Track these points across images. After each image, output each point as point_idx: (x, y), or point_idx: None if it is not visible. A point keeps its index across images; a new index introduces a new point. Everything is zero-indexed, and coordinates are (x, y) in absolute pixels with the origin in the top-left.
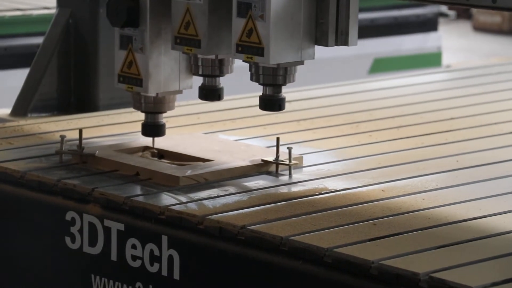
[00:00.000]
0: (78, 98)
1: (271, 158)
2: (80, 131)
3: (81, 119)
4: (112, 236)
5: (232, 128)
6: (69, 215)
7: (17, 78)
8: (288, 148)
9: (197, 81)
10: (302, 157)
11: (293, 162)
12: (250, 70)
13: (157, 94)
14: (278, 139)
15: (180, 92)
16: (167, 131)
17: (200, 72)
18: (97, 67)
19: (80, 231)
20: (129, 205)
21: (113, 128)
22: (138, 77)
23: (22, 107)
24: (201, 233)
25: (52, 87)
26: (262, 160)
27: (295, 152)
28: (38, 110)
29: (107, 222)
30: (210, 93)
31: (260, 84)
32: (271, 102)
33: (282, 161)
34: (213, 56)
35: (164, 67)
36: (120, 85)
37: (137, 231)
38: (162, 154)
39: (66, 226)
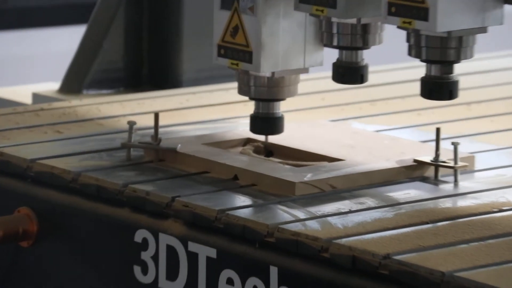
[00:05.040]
0: (153, 69)
1: (427, 157)
2: (156, 116)
3: (157, 98)
4: (199, 266)
5: (371, 114)
6: (138, 235)
7: (68, 39)
8: (453, 143)
9: (331, 54)
10: (473, 156)
11: (460, 164)
12: (407, 40)
13: (272, 73)
14: (438, 130)
15: (305, 70)
16: None
17: (336, 43)
18: (181, 27)
19: (155, 257)
20: (224, 222)
21: (202, 112)
22: (246, 49)
23: (75, 82)
24: (325, 264)
25: (116, 53)
26: (415, 161)
27: (464, 149)
28: (97, 86)
29: (192, 246)
30: (350, 72)
31: (422, 61)
32: (439, 87)
33: (444, 162)
34: (354, 21)
35: (284, 35)
36: (220, 60)
37: (234, 260)
38: (270, 149)
39: (135, 250)
